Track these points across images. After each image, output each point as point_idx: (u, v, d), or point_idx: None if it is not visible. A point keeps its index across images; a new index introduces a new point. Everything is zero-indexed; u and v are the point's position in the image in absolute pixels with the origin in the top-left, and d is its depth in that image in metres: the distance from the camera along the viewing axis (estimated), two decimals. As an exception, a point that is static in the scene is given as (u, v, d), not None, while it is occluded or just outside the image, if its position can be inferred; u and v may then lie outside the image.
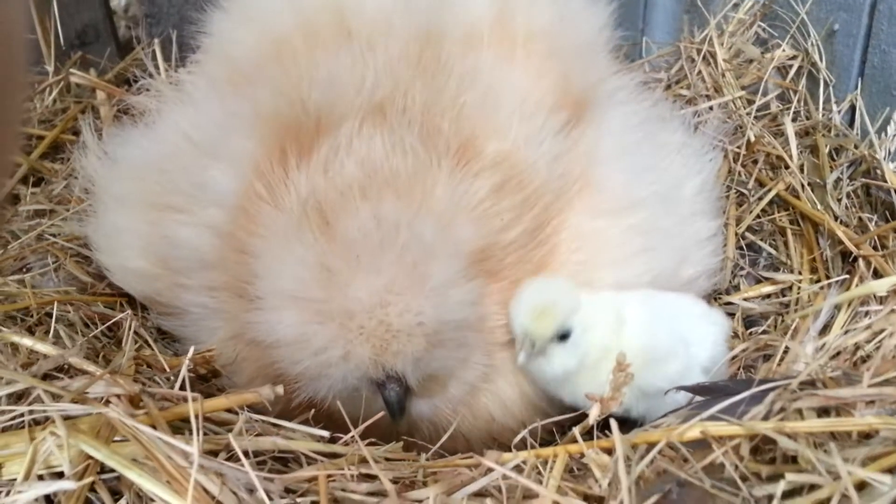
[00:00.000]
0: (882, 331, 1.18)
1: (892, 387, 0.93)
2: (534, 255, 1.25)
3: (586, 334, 1.17)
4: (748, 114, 1.85)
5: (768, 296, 1.62)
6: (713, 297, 1.59)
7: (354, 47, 1.27)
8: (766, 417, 0.92)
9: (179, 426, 0.97)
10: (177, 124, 1.42)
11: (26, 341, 1.08)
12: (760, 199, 1.73)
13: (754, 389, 0.95)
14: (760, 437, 0.91)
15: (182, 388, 0.98)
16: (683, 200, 1.46)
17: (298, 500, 0.90)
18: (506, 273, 1.23)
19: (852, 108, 1.76)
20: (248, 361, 1.26)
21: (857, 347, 1.17)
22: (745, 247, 1.72)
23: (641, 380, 1.11)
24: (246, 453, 0.90)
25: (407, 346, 1.08)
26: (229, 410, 1.03)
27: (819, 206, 1.61)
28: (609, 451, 0.97)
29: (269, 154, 1.24)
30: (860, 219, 1.57)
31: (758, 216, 1.74)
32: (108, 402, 0.94)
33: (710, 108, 1.91)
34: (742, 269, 1.69)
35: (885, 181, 1.53)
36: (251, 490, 0.87)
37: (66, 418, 0.90)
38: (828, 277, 1.53)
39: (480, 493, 0.94)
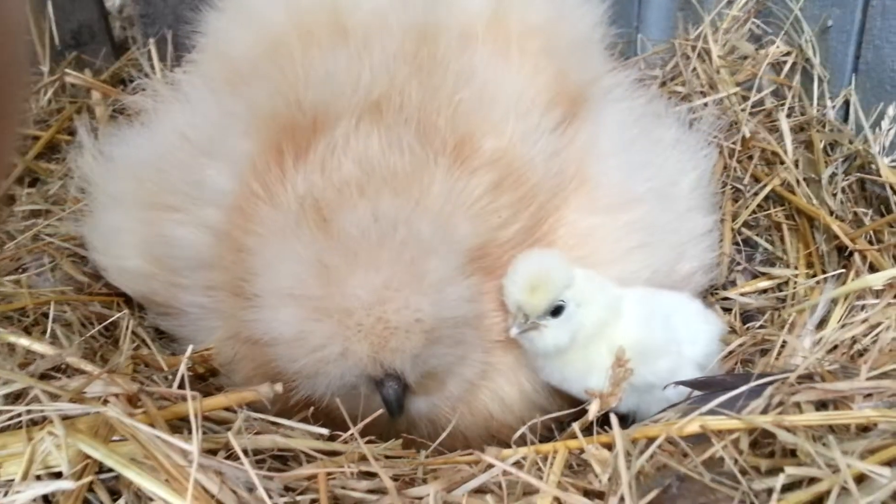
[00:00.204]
0: (878, 324, 1.18)
1: (890, 379, 0.93)
2: None
3: (580, 309, 1.17)
4: (743, 110, 1.86)
5: (764, 291, 1.63)
6: (710, 292, 1.60)
7: (350, 46, 1.27)
8: (764, 411, 0.93)
9: (178, 425, 0.97)
10: (173, 124, 1.41)
11: (23, 341, 1.08)
12: (756, 194, 1.74)
13: (753, 383, 0.95)
14: (759, 430, 0.91)
15: (181, 386, 0.97)
16: (680, 196, 1.47)
17: (298, 498, 0.90)
18: (503, 271, 1.23)
19: (846, 104, 1.76)
20: (246, 360, 1.25)
21: (854, 341, 1.18)
22: (741, 242, 1.72)
23: (632, 374, 1.11)
24: (245, 452, 0.90)
25: (405, 343, 1.08)
26: (228, 409, 1.03)
27: (814, 201, 1.62)
28: (608, 447, 0.97)
29: (266, 153, 1.23)
30: (855, 213, 1.57)
31: (753, 212, 1.74)
32: (106, 402, 0.94)
33: (705, 104, 1.92)
34: (738, 264, 1.70)
35: (880, 176, 1.53)
36: (251, 489, 0.86)
37: (64, 418, 0.90)
38: (823, 272, 1.53)
39: (481, 490, 0.94)
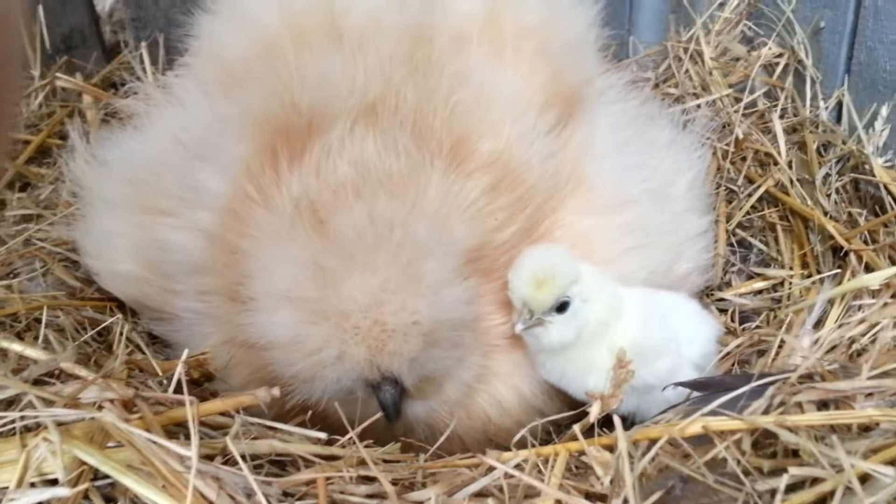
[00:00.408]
0: (876, 324, 1.18)
1: (891, 378, 0.93)
2: None
3: (585, 305, 1.16)
4: (736, 111, 1.86)
5: (759, 292, 1.63)
6: (705, 293, 1.59)
7: (345, 48, 1.26)
8: (766, 411, 0.92)
9: (174, 431, 0.96)
10: (166, 127, 1.40)
11: (16, 346, 1.06)
12: (750, 195, 1.74)
13: (754, 384, 0.95)
14: (760, 431, 0.90)
15: (177, 391, 0.96)
16: (675, 197, 1.47)
17: (297, 503, 0.89)
18: (500, 273, 1.22)
19: (839, 105, 1.77)
20: (242, 366, 1.24)
21: (853, 341, 1.17)
22: (735, 243, 1.73)
23: (633, 376, 1.11)
24: (243, 457, 0.88)
25: (403, 346, 1.07)
26: (224, 414, 1.02)
27: (809, 202, 1.62)
28: (609, 449, 0.96)
29: (261, 156, 1.22)
30: (849, 214, 1.58)
31: (747, 213, 1.74)
32: (101, 408, 0.92)
33: (698, 106, 1.92)
34: (733, 265, 1.70)
35: (874, 176, 1.53)
36: (249, 494, 0.85)
37: (59, 424, 0.89)
38: (819, 272, 1.53)
39: (482, 494, 0.93)
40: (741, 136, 1.80)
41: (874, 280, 1.24)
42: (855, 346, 1.17)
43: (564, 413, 1.17)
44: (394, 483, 0.95)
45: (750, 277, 1.67)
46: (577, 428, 1.00)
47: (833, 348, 1.20)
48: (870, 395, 0.93)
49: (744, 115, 1.86)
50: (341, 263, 1.07)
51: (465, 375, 1.21)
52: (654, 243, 1.35)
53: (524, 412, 1.26)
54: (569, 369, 1.18)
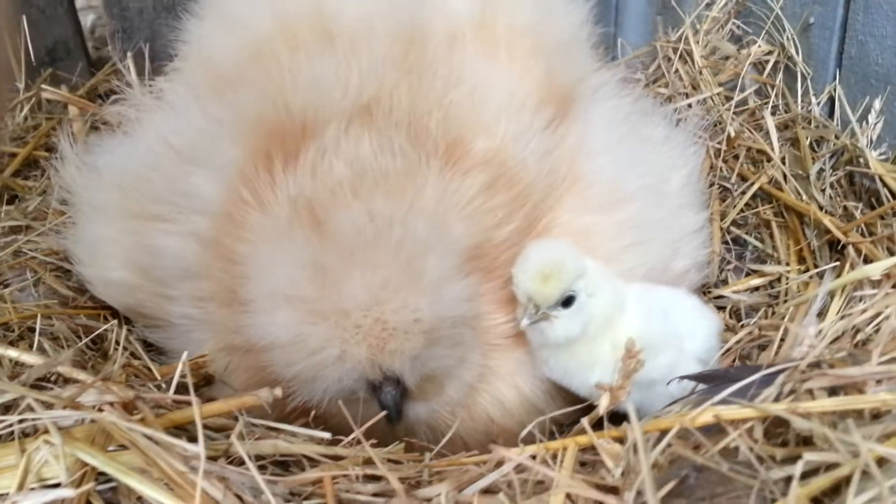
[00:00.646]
0: (879, 314, 1.17)
1: (901, 364, 0.92)
2: None
3: (591, 300, 1.16)
4: (727, 109, 1.86)
5: (756, 288, 1.62)
6: (703, 291, 1.59)
7: (338, 50, 1.26)
8: (776, 400, 0.91)
9: (175, 434, 0.94)
10: (157, 132, 1.39)
11: (11, 353, 1.04)
12: (744, 193, 1.74)
13: (763, 372, 0.94)
14: (771, 420, 0.89)
15: (178, 393, 0.94)
16: (671, 193, 1.46)
17: (304, 503, 0.87)
18: (500, 272, 1.22)
19: (831, 100, 1.77)
20: (240, 371, 1.23)
21: (857, 331, 1.17)
22: (730, 241, 1.73)
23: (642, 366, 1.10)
24: (248, 457, 0.87)
25: (404, 345, 1.06)
26: (226, 417, 1.00)
27: (803, 197, 1.62)
28: (619, 441, 0.95)
29: (255, 159, 1.21)
30: (845, 208, 1.58)
31: (741, 210, 1.74)
32: (101, 411, 0.90)
33: (689, 105, 1.92)
34: (729, 263, 1.70)
35: (869, 169, 1.53)
36: (255, 494, 0.84)
37: (59, 428, 0.86)
38: (816, 267, 1.53)
39: (490, 489, 0.91)
40: (733, 134, 1.80)
41: (875, 270, 1.24)
42: (859, 336, 1.16)
43: (569, 410, 1.16)
44: (400, 481, 0.93)
45: (747, 275, 1.67)
46: (585, 421, 0.99)
47: (836, 339, 1.19)
48: (880, 381, 0.92)
49: (735, 113, 1.87)
50: (341, 262, 1.06)
51: (467, 375, 1.20)
52: (652, 240, 1.35)
53: (526, 412, 1.25)
54: (572, 364, 1.16)
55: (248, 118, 1.24)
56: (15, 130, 1.93)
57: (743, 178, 1.78)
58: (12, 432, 0.87)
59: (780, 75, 1.89)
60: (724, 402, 0.91)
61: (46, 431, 0.84)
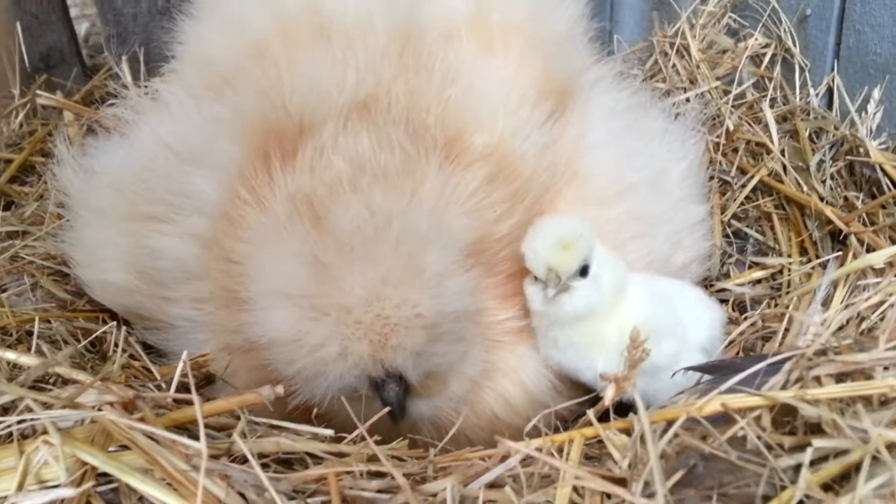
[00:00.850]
0: (883, 302, 1.17)
1: (909, 349, 0.91)
2: None
3: (603, 271, 1.17)
4: (726, 103, 1.86)
5: (759, 281, 1.62)
6: (705, 284, 1.58)
7: (334, 48, 1.25)
8: (783, 387, 0.90)
9: (176, 433, 0.93)
10: (154, 133, 1.38)
11: (9, 355, 1.03)
12: (744, 186, 1.73)
13: (769, 360, 0.93)
14: (778, 408, 0.88)
15: (178, 393, 0.93)
16: (672, 185, 1.46)
17: (308, 500, 0.86)
18: (501, 267, 1.21)
19: (829, 91, 1.77)
20: (241, 371, 1.22)
21: (862, 319, 1.16)
22: (731, 234, 1.72)
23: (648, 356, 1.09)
24: (250, 455, 0.86)
25: (406, 341, 1.05)
26: (228, 415, 0.99)
27: (804, 189, 1.61)
28: (626, 433, 0.94)
29: (253, 158, 1.21)
30: (846, 198, 1.57)
31: (742, 203, 1.74)
32: (100, 411, 0.89)
33: (687, 99, 1.91)
34: (730, 256, 1.69)
35: (870, 158, 1.52)
36: (259, 492, 0.82)
37: (58, 428, 0.85)
38: (818, 258, 1.53)
39: (496, 483, 0.90)
40: (732, 128, 1.79)
41: (879, 258, 1.24)
42: (865, 324, 1.16)
43: (573, 402, 1.15)
44: (405, 477, 0.92)
45: (749, 268, 1.66)
46: (591, 413, 0.98)
47: (841, 328, 1.18)
48: (887, 367, 0.91)
49: (733, 106, 1.86)
50: (340, 257, 1.05)
51: (470, 371, 1.19)
52: (653, 232, 1.35)
53: (530, 408, 1.23)
54: (580, 342, 1.16)
55: (246, 117, 1.23)
56: (10, 136, 1.93)
57: (743, 172, 1.77)
58: (11, 434, 0.86)
59: (778, 68, 1.89)
60: (730, 390, 0.90)
61: (45, 432, 0.83)
